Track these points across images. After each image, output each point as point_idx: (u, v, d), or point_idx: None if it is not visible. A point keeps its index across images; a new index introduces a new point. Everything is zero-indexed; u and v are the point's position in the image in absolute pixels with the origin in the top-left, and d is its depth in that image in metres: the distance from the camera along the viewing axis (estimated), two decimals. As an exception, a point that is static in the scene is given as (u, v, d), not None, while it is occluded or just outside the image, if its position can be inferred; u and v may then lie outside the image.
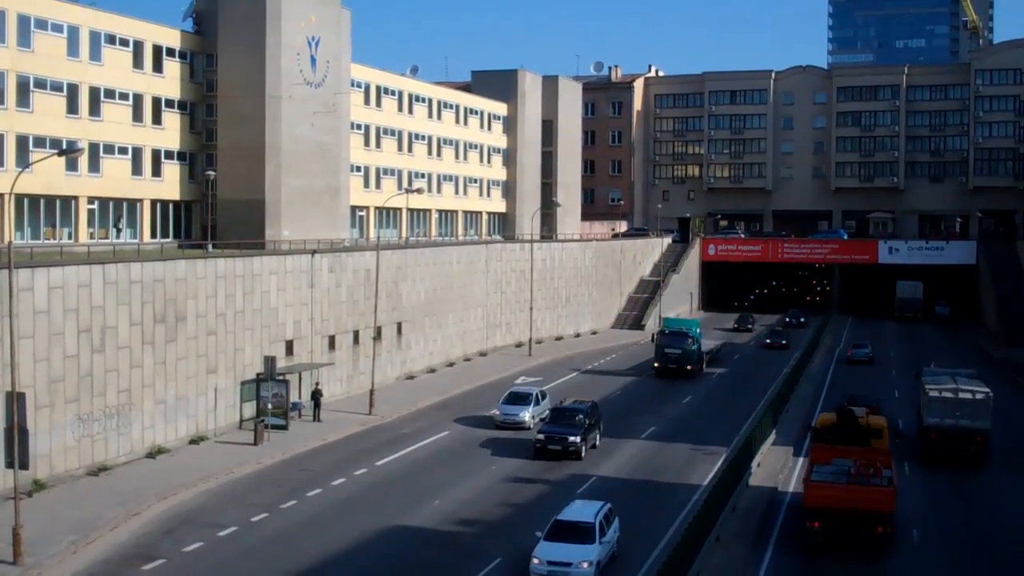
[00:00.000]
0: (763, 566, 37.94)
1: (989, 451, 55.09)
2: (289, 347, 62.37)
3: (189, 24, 75.05)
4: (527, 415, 60.72)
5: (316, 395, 60.92)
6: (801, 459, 53.32)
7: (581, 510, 37.72)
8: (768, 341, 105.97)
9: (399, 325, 75.79)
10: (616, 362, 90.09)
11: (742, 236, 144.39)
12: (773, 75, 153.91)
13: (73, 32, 63.75)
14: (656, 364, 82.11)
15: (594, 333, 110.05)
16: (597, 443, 56.19)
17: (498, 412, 61.58)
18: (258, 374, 57.25)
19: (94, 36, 65.29)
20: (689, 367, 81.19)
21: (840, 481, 40.27)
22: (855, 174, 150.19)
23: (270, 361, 56.76)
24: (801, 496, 41.60)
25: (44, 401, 44.89)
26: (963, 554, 40.45)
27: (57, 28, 62.61)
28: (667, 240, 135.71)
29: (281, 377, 57.61)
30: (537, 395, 63.12)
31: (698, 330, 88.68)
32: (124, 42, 67.76)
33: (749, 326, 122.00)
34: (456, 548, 39.02)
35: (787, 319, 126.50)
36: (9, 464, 36.89)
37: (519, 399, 62.45)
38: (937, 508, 46.77)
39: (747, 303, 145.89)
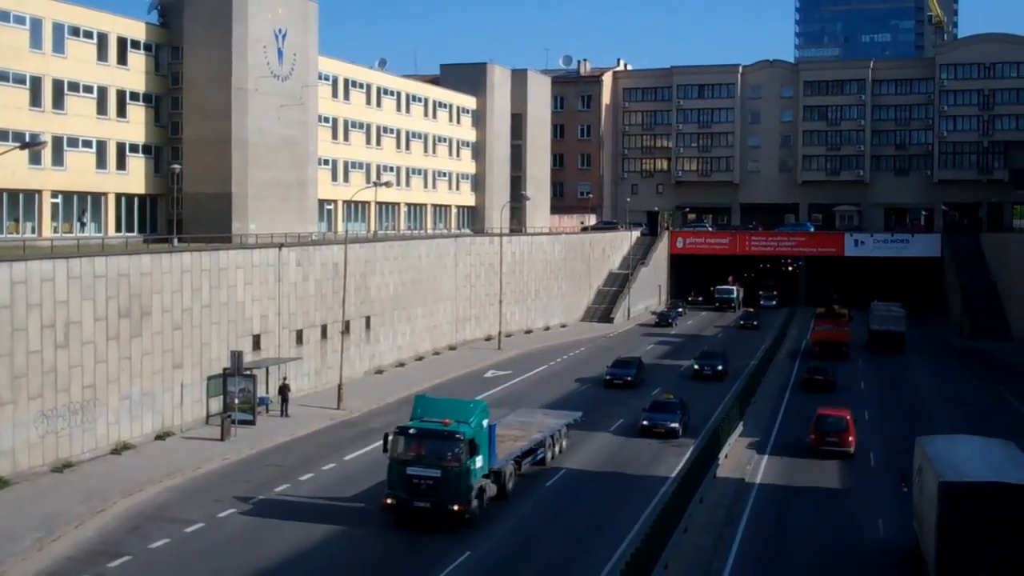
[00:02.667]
0: (730, 556, 38.07)
1: (904, 345, 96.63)
2: (256, 341, 62.04)
3: (154, 16, 74.64)
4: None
5: (283, 390, 60.62)
6: (766, 456, 54.38)
7: None
8: (696, 367, 79.65)
9: (367, 319, 75.56)
10: (585, 356, 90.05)
11: (710, 229, 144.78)
12: (740, 69, 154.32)
13: (36, 24, 63.14)
14: (389, 502, 40.42)
15: (563, 326, 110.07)
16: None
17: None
18: (225, 369, 56.88)
19: (57, 28, 64.70)
20: (455, 508, 39.86)
21: (826, 329, 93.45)
22: (821, 167, 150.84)
23: (237, 356, 56.41)
24: (811, 334, 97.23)
25: (7, 397, 44.48)
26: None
27: (20, 20, 62.00)
28: (636, 233, 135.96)
29: (248, 372, 57.27)
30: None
31: (483, 422, 42.59)
32: (88, 34, 67.20)
33: (670, 320, 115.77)
34: (423, 542, 38.88)
35: (741, 320, 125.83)
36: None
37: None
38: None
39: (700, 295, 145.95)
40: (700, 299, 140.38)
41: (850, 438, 53.84)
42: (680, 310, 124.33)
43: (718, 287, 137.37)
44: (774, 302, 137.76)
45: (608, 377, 74.43)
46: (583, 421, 56.76)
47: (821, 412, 55.90)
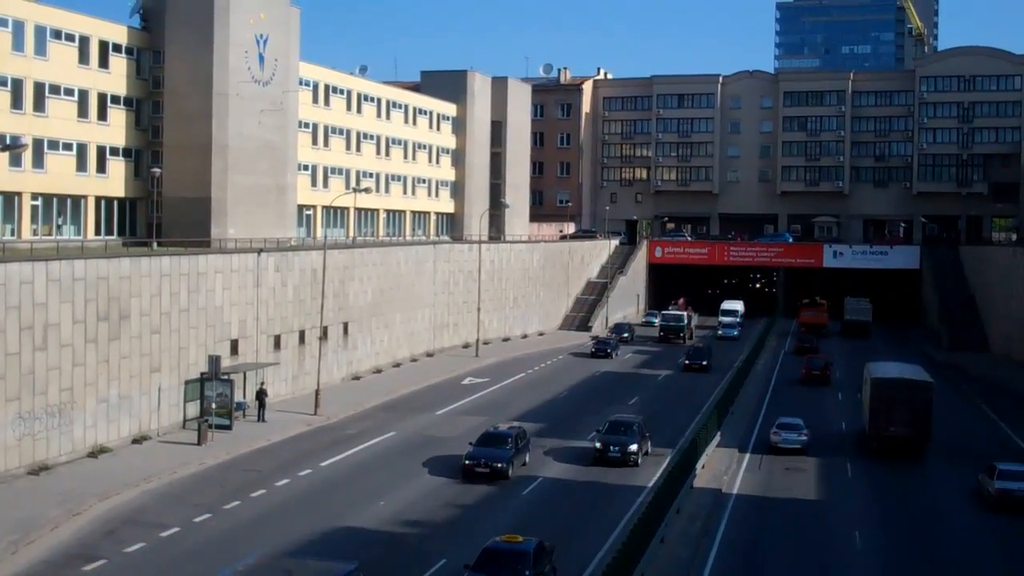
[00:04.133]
0: (707, 567, 38.17)
1: (871, 331, 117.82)
2: (234, 346, 61.99)
3: (136, 20, 74.43)
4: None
5: (261, 395, 60.60)
6: (748, 455, 54.73)
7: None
8: (598, 446, 54.05)
9: (345, 325, 75.56)
10: (562, 364, 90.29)
11: (689, 239, 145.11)
12: (720, 79, 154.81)
13: (18, 27, 62.97)
14: None
15: (541, 334, 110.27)
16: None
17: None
18: (202, 373, 56.82)
19: (39, 31, 64.54)
20: None
21: (810, 315, 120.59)
22: (801, 178, 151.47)
23: (215, 360, 56.36)
24: (797, 320, 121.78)
25: (-16, 399, 44.38)
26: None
27: (2, 23, 61.83)
28: (614, 242, 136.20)
29: (226, 377, 57.20)
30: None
31: None
32: (70, 37, 67.08)
33: (608, 350, 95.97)
34: (401, 549, 38.97)
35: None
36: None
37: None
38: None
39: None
40: (654, 319, 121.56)
41: (827, 374, 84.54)
42: (625, 335, 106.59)
43: (665, 312, 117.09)
44: (735, 331, 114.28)
45: (467, 463, 49.82)
46: (555, 431, 56.58)
47: (809, 357, 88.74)
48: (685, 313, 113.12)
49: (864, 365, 66.13)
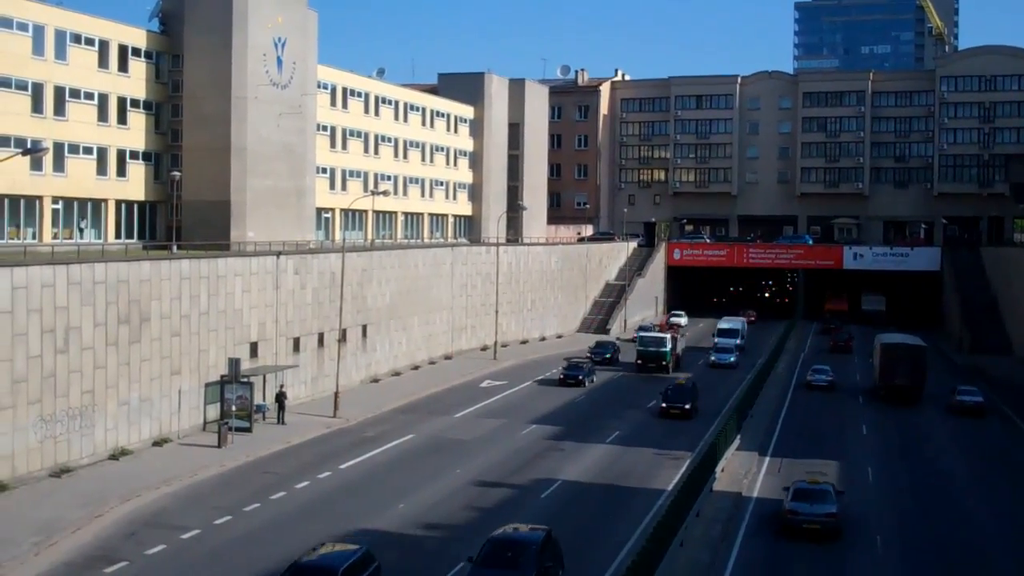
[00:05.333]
0: (727, 572, 38.10)
1: (885, 318, 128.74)
2: (254, 349, 62.15)
3: (155, 24, 74.79)
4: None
5: (280, 397, 60.74)
6: (767, 460, 54.07)
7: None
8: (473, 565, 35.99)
9: (364, 327, 75.67)
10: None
11: (707, 241, 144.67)
12: (739, 80, 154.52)
13: (38, 31, 63.34)
14: None
15: (559, 337, 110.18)
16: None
17: None
18: (222, 376, 56.93)
19: (59, 35, 64.91)
20: None
21: (834, 303, 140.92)
22: (820, 179, 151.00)
23: (234, 363, 56.49)
24: (824, 308, 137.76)
25: (7, 402, 44.56)
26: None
27: (23, 27, 62.19)
28: (633, 244, 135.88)
29: (245, 379, 57.34)
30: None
31: None
32: (90, 41, 67.40)
33: (580, 376, 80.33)
34: (420, 552, 38.97)
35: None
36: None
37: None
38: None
39: (706, 306, 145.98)
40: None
41: (849, 344, 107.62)
42: (608, 355, 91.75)
43: (643, 332, 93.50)
44: (731, 357, 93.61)
45: None
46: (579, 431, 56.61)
47: (835, 331, 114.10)
48: (669, 336, 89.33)
49: (875, 337, 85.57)
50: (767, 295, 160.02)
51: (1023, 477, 55.26)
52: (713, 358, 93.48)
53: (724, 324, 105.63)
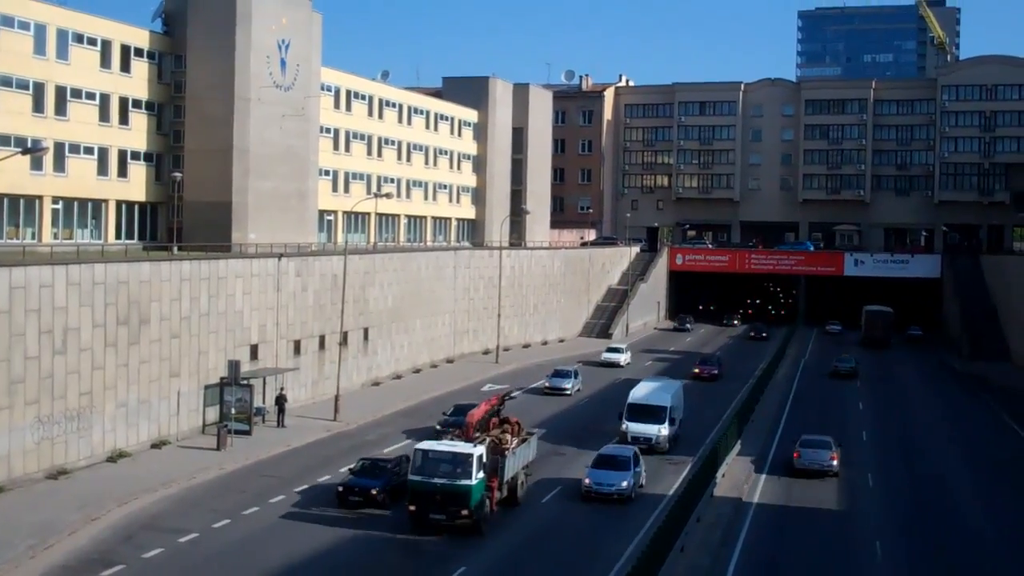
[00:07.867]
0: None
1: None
2: (254, 351, 61.91)
3: (158, 24, 74.48)
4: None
5: (280, 400, 60.51)
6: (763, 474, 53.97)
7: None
8: None
9: (366, 331, 75.44)
10: (581, 372, 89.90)
11: (709, 246, 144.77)
12: (742, 87, 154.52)
13: (40, 30, 63.03)
14: None
15: (561, 341, 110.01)
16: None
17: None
18: (222, 378, 56.68)
19: (61, 34, 64.60)
20: None
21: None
22: (822, 186, 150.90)
23: (234, 365, 56.22)
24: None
25: (4, 403, 44.32)
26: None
27: (24, 26, 61.90)
28: (635, 249, 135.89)
29: (245, 382, 57.10)
30: None
31: None
32: (92, 41, 67.11)
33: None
34: (421, 555, 38.76)
35: (750, 332, 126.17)
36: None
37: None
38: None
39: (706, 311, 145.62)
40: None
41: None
42: (567, 387, 77.41)
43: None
44: (625, 480, 47.53)
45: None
46: (581, 436, 56.33)
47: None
48: (479, 448, 42.79)
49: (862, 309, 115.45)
50: (769, 304, 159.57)
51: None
52: (587, 481, 48.00)
53: (640, 392, 61.89)
